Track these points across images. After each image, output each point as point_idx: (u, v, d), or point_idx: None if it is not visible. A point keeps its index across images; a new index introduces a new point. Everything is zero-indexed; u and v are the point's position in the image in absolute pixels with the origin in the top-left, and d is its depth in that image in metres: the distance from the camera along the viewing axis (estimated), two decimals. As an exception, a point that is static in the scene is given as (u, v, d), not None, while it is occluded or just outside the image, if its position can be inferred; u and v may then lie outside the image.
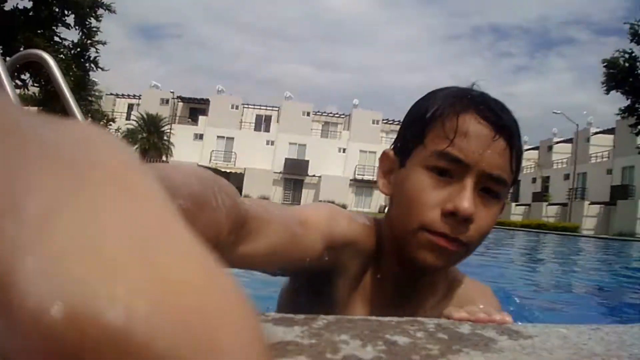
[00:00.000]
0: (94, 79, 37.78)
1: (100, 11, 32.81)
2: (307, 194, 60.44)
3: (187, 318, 0.19)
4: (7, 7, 28.69)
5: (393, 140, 1.50)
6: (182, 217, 0.25)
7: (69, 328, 0.18)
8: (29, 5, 29.47)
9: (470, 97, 1.32)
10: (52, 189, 0.21)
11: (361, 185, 58.45)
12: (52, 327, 0.18)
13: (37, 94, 29.13)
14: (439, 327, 0.95)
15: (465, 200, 1.22)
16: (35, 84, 28.16)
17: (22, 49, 23.59)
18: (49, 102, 26.77)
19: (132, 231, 0.21)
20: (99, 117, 35.75)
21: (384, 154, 1.46)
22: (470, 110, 1.28)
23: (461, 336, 0.90)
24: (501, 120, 1.28)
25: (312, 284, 1.36)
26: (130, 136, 53.32)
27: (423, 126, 1.32)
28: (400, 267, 1.38)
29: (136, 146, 53.42)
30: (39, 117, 0.24)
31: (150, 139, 54.36)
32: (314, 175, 59.64)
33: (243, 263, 0.94)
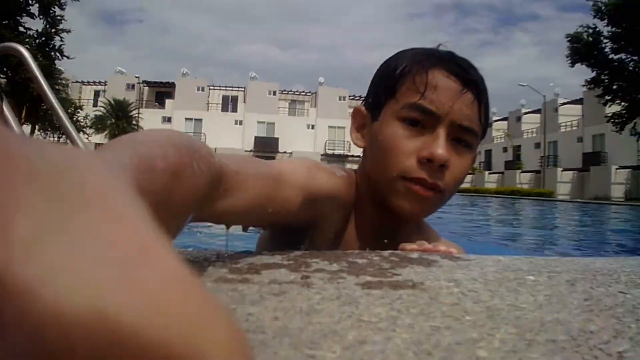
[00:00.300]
0: (59, 67, 37.37)
1: (63, -1, 32.48)
2: (278, 170, 60.07)
3: (168, 325, 0.20)
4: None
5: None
6: (162, 235, 0.25)
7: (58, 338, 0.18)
8: (-6, -4, 29.00)
9: (438, 54, 1.39)
10: (40, 212, 0.21)
11: (332, 160, 57.94)
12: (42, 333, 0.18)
13: (3, 85, 28.76)
14: (393, 254, 1.14)
15: (440, 147, 1.27)
16: (1, 76, 27.81)
17: (-14, 40, 23.37)
18: (16, 93, 26.51)
19: (115, 253, 0.21)
20: (67, 105, 35.33)
21: (356, 110, 1.52)
22: (439, 66, 1.33)
23: (410, 259, 1.08)
24: (468, 75, 1.34)
25: (292, 235, 1.36)
26: (99, 123, 52.72)
27: (394, 81, 1.37)
28: (379, 216, 1.43)
29: (106, 132, 52.95)
30: (27, 139, 0.25)
31: (119, 124, 53.64)
32: (284, 152, 58.97)
33: (221, 219, 0.96)
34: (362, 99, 1.52)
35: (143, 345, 0.19)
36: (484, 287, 0.85)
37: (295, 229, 1.31)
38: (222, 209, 0.87)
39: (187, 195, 0.66)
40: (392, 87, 1.37)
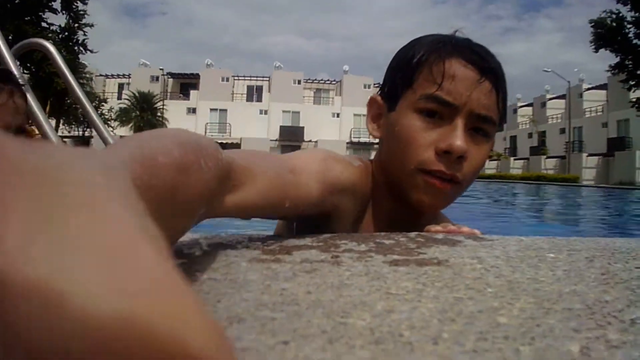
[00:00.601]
0: (83, 61, 37.58)
1: (85, -6, 32.62)
2: (306, 158, 60.32)
3: (151, 326, 0.20)
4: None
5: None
6: (151, 232, 0.26)
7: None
8: (16, -8, 29.13)
9: (454, 42, 1.37)
10: (28, 214, 0.22)
11: (358, 148, 57.85)
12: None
13: (28, 81, 28.91)
14: (419, 235, 1.17)
15: (458, 138, 1.26)
16: (25, 71, 27.99)
17: (10, 37, 23.50)
18: (40, 88, 26.66)
19: (102, 257, 0.22)
20: (91, 98, 35.58)
21: (372, 99, 1.50)
22: (456, 55, 1.32)
23: (435, 239, 1.11)
24: (486, 63, 1.32)
25: (308, 226, 1.31)
26: (124, 115, 53.04)
27: (411, 71, 1.35)
28: (395, 207, 1.43)
29: (131, 124, 53.21)
30: (23, 141, 0.25)
31: (144, 116, 53.94)
32: (310, 141, 59.28)
33: (234, 213, 0.93)
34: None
35: (130, 344, 0.19)
36: (505, 263, 0.88)
37: (311, 219, 1.28)
38: (232, 204, 0.87)
39: (194, 192, 0.66)
40: (409, 77, 1.36)
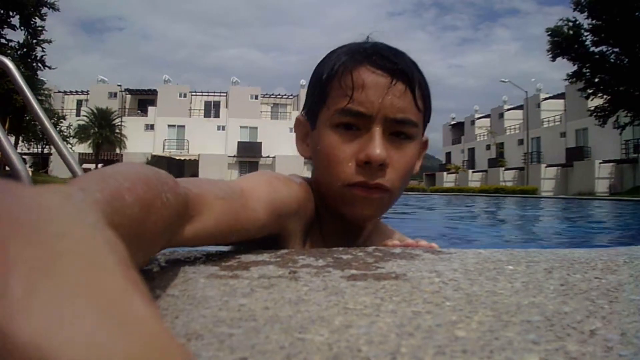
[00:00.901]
0: (42, 78, 37.34)
1: (44, 10, 32.45)
2: (262, 174, 60.96)
3: None
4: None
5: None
6: (138, 285, 0.27)
7: None
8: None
9: (362, 49, 1.36)
10: (28, 264, 0.24)
11: (318, 164, 58.15)
12: None
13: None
14: (376, 250, 1.18)
15: (376, 147, 1.26)
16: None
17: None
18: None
19: (97, 305, 0.23)
20: (50, 115, 35.35)
21: (297, 120, 1.51)
22: (364, 63, 1.31)
23: (393, 254, 1.12)
24: (395, 65, 1.30)
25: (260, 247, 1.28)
26: (82, 132, 52.73)
27: (323, 88, 1.36)
28: (336, 221, 1.43)
29: (89, 141, 52.97)
30: (20, 193, 0.27)
31: (102, 133, 53.75)
32: (268, 156, 59.54)
33: (191, 243, 0.92)
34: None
35: None
36: (464, 276, 0.88)
37: (263, 243, 1.25)
38: (191, 234, 0.87)
39: (157, 227, 0.67)
40: (322, 94, 1.37)
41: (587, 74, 37.72)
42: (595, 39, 36.70)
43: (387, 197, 1.33)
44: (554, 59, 38.15)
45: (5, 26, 31.28)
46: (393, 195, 1.36)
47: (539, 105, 57.57)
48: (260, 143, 60.81)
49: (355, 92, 1.29)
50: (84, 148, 52.39)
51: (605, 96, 37.42)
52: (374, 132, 1.28)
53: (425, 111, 1.39)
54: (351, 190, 1.30)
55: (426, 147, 1.48)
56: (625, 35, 33.99)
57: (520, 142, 57.45)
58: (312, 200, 1.43)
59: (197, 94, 65.76)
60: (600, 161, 42.06)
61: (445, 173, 62.51)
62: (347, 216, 1.36)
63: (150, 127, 61.18)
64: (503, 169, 53.57)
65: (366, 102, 1.28)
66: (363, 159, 1.27)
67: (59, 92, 62.85)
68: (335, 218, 1.42)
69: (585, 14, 36.16)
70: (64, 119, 45.68)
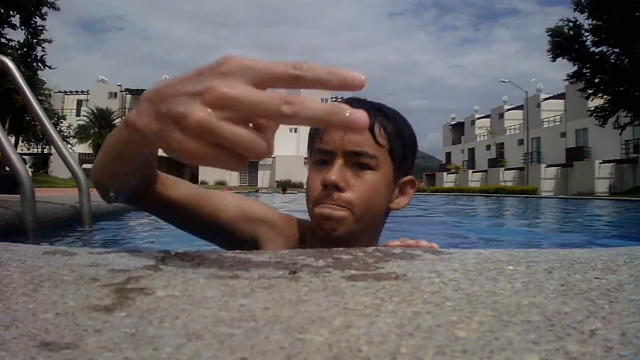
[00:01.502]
0: (42, 77, 37.32)
1: (44, 9, 32.45)
2: (263, 175, 61.91)
3: None
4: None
5: None
6: None
7: None
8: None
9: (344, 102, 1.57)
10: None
11: (317, 163, 58.15)
12: None
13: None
14: (377, 250, 1.18)
15: (332, 174, 1.48)
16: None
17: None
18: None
19: None
20: (50, 115, 35.32)
21: (308, 160, 1.74)
22: None
23: (393, 254, 1.12)
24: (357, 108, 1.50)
25: None
26: (82, 132, 52.73)
27: (311, 138, 1.66)
28: (323, 243, 1.53)
29: (89, 141, 52.94)
30: None
31: (102, 133, 53.55)
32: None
33: (164, 207, 1.37)
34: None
35: None
36: (464, 276, 0.88)
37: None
38: (165, 195, 1.35)
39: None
40: (310, 143, 1.66)
41: (587, 74, 37.67)
42: (595, 39, 36.67)
43: (349, 216, 1.50)
44: (554, 59, 38.13)
45: (5, 25, 31.27)
46: (356, 213, 1.51)
47: (539, 106, 57.62)
48: (260, 143, 60.26)
49: (324, 135, 1.56)
50: (84, 148, 52.42)
51: (605, 96, 37.41)
52: (336, 163, 1.52)
53: (394, 147, 1.58)
54: (318, 209, 1.51)
55: (413, 186, 1.69)
56: (626, 35, 33.98)
57: (520, 142, 57.50)
58: (294, 225, 1.74)
59: (197, 93, 65.09)
60: (600, 161, 42.11)
61: (445, 173, 62.55)
62: (319, 233, 1.53)
63: (151, 127, 60.74)
64: (503, 169, 53.59)
65: (330, 140, 1.54)
66: (321, 182, 1.51)
67: (59, 92, 62.95)
68: (322, 241, 1.55)
69: (586, 14, 36.12)
70: (64, 119, 45.66)
